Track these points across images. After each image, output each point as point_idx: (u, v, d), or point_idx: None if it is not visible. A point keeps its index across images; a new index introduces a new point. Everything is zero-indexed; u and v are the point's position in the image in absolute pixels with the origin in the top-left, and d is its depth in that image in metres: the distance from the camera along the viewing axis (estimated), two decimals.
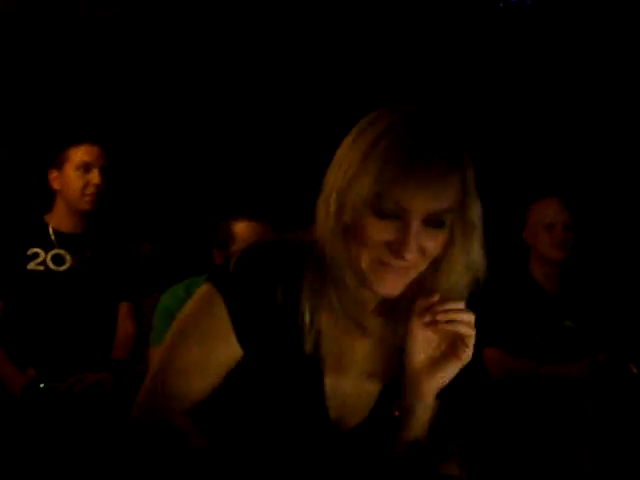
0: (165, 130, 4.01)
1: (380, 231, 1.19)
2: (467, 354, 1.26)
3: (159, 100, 3.98)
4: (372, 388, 1.33)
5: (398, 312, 1.30)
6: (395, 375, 1.31)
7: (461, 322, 1.24)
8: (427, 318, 1.24)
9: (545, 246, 3.07)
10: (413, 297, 1.27)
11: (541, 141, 4.26)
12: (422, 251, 1.21)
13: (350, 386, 1.32)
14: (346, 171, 1.21)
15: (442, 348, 1.26)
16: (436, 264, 1.26)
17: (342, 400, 1.31)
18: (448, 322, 1.24)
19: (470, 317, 1.25)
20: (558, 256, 3.06)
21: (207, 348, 1.27)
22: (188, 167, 4.03)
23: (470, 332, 1.25)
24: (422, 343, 1.26)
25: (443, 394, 1.31)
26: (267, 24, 4.00)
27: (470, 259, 1.28)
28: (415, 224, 1.18)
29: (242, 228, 2.75)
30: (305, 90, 3.83)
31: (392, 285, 1.22)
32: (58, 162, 3.02)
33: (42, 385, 2.81)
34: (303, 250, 1.28)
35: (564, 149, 4.22)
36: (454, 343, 1.26)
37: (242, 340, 1.27)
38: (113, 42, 3.89)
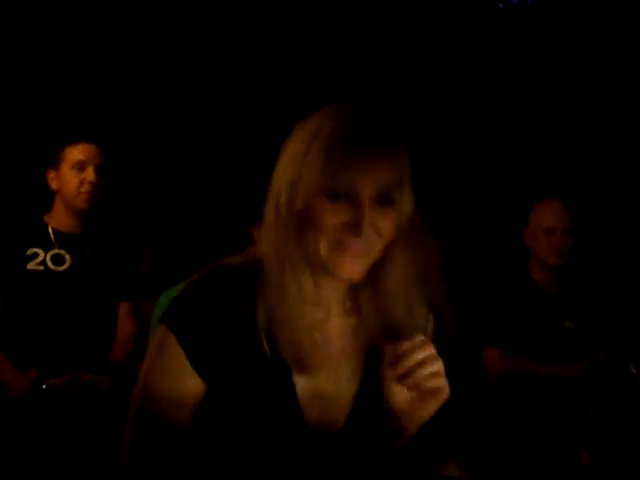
0: (171, 133, 4.02)
1: (336, 214, 1.22)
2: (442, 397, 1.24)
3: (163, 104, 3.99)
4: (349, 388, 1.33)
5: (358, 312, 1.33)
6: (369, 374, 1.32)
7: (431, 376, 1.21)
8: (398, 372, 1.21)
9: (543, 251, 3.05)
10: (371, 297, 1.30)
11: (544, 141, 4.26)
12: (376, 230, 1.24)
13: (326, 387, 1.31)
14: (293, 162, 1.25)
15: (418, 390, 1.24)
16: (381, 261, 1.28)
17: (319, 402, 1.31)
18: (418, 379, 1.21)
19: (439, 366, 1.22)
20: (555, 262, 3.04)
21: (170, 387, 1.29)
22: (191, 172, 4.04)
23: (441, 384, 1.22)
24: (398, 386, 1.24)
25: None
26: (264, 33, 4.00)
27: (413, 253, 1.30)
28: (367, 202, 1.22)
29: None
30: (307, 100, 3.83)
31: (352, 267, 1.24)
32: (55, 162, 3.02)
33: (44, 386, 2.81)
34: (250, 267, 1.30)
35: (567, 149, 4.23)
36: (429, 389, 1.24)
37: (201, 372, 1.29)
38: (114, 43, 3.89)
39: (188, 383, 1.28)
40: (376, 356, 1.27)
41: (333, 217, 1.22)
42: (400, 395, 1.23)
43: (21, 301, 2.94)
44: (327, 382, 1.31)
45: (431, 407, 1.24)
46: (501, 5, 4.25)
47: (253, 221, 2.79)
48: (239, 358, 1.28)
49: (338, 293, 1.33)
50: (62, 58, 3.86)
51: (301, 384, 1.29)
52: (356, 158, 1.21)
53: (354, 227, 1.21)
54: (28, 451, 2.80)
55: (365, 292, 1.32)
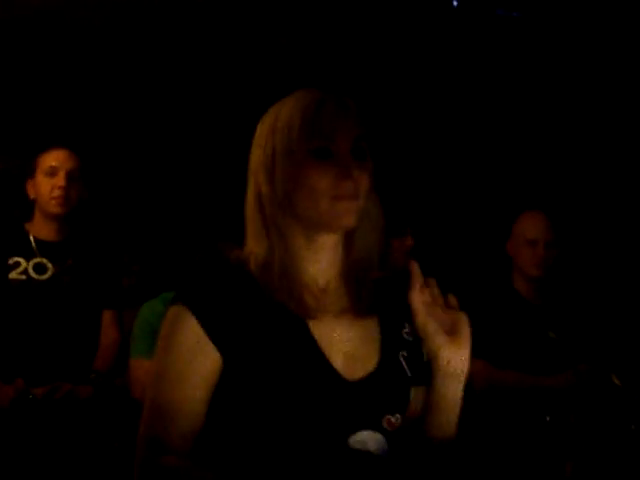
0: (158, 143, 4.01)
1: (326, 171, 1.30)
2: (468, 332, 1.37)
3: (151, 113, 3.98)
4: (369, 329, 1.38)
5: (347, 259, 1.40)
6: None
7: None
8: (427, 298, 1.33)
9: (525, 262, 3.07)
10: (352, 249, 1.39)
11: (528, 152, 4.28)
12: (359, 179, 1.32)
13: (345, 333, 1.35)
14: (266, 141, 1.34)
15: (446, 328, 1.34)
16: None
17: (344, 348, 1.34)
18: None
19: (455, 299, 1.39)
20: (536, 273, 3.05)
21: (188, 366, 1.29)
22: (178, 182, 4.03)
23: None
24: (428, 315, 1.32)
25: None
26: (256, 40, 4.01)
27: (374, 217, 1.40)
28: (347, 152, 1.32)
29: None
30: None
31: (349, 215, 1.31)
32: (31, 170, 3.02)
33: (31, 396, 2.79)
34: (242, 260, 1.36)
35: (550, 160, 4.25)
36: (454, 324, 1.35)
37: (219, 344, 1.29)
38: (100, 51, 3.89)
39: (206, 360, 1.28)
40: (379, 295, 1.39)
41: (325, 174, 1.30)
42: (433, 326, 1.32)
43: (3, 310, 2.92)
44: (344, 327, 1.35)
45: (465, 344, 1.37)
46: (487, 16, 4.27)
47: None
48: (254, 324, 1.30)
49: (329, 247, 1.37)
50: (48, 67, 3.85)
51: (319, 334, 1.32)
52: (329, 116, 1.32)
53: (344, 172, 1.29)
54: (11, 461, 2.78)
55: (347, 244, 1.39)
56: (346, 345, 1.34)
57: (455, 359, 1.33)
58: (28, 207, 3.05)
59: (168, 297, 2.89)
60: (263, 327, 1.30)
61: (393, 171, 1.44)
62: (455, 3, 4.20)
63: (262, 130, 1.37)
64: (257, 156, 1.37)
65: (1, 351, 2.91)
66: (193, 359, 1.28)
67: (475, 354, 3.18)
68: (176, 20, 3.87)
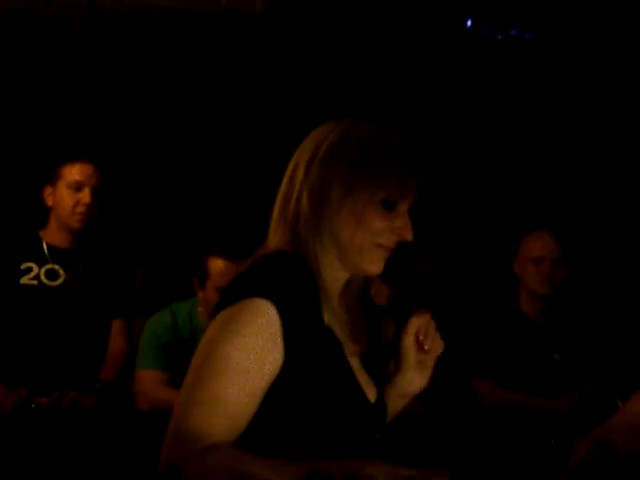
0: (165, 153, 4.03)
1: (388, 220, 1.38)
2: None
3: (159, 121, 4.00)
4: (357, 359, 1.47)
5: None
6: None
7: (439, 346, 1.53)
8: (421, 339, 1.50)
9: (531, 280, 3.06)
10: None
11: (540, 171, 4.28)
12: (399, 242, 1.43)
13: (359, 363, 1.46)
14: (340, 169, 1.38)
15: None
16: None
17: (363, 377, 1.44)
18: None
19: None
20: (543, 291, 3.05)
21: (257, 358, 1.26)
22: (186, 191, 4.04)
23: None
24: (412, 348, 1.51)
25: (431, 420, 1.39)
26: (256, 53, 4.03)
27: None
28: (406, 212, 1.42)
29: (217, 266, 2.83)
30: (294, 123, 3.84)
31: (381, 264, 1.42)
32: (52, 179, 3.03)
33: (34, 405, 2.80)
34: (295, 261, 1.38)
35: (561, 180, 4.25)
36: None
37: (287, 345, 1.28)
38: (110, 62, 3.92)
39: (274, 358, 1.27)
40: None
41: (387, 223, 1.38)
42: (412, 356, 1.51)
43: (14, 316, 2.94)
44: (358, 358, 1.45)
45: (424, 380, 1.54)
46: (500, 37, 4.29)
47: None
48: (311, 335, 1.32)
49: (340, 285, 1.45)
50: (61, 75, 3.88)
51: (350, 360, 1.40)
52: (408, 181, 1.39)
53: (404, 232, 1.39)
54: (12, 468, 2.78)
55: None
56: (360, 371, 1.43)
57: (414, 384, 1.54)
58: (42, 213, 3.07)
59: (175, 308, 2.94)
60: (316, 338, 1.33)
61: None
62: (469, 24, 4.23)
63: (323, 151, 1.39)
64: (310, 173, 1.39)
65: (8, 356, 2.92)
66: (264, 355, 1.26)
67: (479, 374, 3.19)
68: (181, 34, 3.91)
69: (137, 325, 3.11)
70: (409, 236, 1.40)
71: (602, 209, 4.18)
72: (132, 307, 3.15)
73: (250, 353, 1.25)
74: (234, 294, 1.30)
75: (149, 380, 2.81)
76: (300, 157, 1.42)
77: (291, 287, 1.31)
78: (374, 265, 1.40)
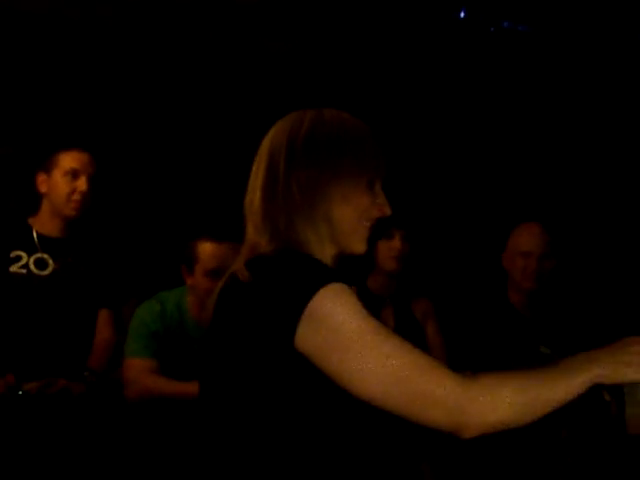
0: (156, 145, 4.02)
1: (372, 198, 1.45)
2: None
3: (152, 112, 3.99)
4: None
5: None
6: None
7: None
8: None
9: (518, 274, 3.06)
10: None
11: (530, 163, 4.29)
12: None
13: None
14: (320, 156, 1.42)
15: None
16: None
17: None
18: None
19: None
20: (529, 286, 3.04)
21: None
22: (176, 182, 4.04)
23: None
24: None
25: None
26: (251, 44, 4.02)
27: None
28: (381, 188, 1.48)
29: (205, 250, 2.82)
30: (283, 111, 3.84)
31: (365, 242, 1.46)
32: (47, 166, 3.01)
33: (21, 392, 2.80)
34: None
35: (552, 172, 4.26)
36: None
37: None
38: (104, 50, 3.90)
39: None
40: None
41: (371, 200, 1.45)
42: None
43: (2, 303, 2.93)
44: None
45: None
46: (493, 29, 4.29)
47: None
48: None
49: None
50: (52, 62, 3.86)
51: None
52: (381, 160, 1.47)
53: (384, 208, 1.46)
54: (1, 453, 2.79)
55: None
56: None
57: None
58: (32, 200, 3.06)
59: (164, 297, 2.95)
60: None
61: (389, 179, 1.49)
62: (462, 15, 4.22)
63: (303, 141, 1.43)
64: (293, 163, 1.42)
65: None
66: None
67: (466, 366, 3.19)
68: (175, 22, 3.89)
69: (126, 311, 3.11)
70: (388, 211, 1.46)
71: (593, 202, 4.20)
72: (119, 297, 3.14)
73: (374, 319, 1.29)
74: (302, 287, 1.26)
75: (137, 368, 2.81)
76: (275, 150, 1.44)
77: (335, 271, 1.36)
78: (362, 244, 1.46)
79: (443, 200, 4.26)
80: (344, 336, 1.22)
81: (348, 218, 1.42)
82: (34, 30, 3.79)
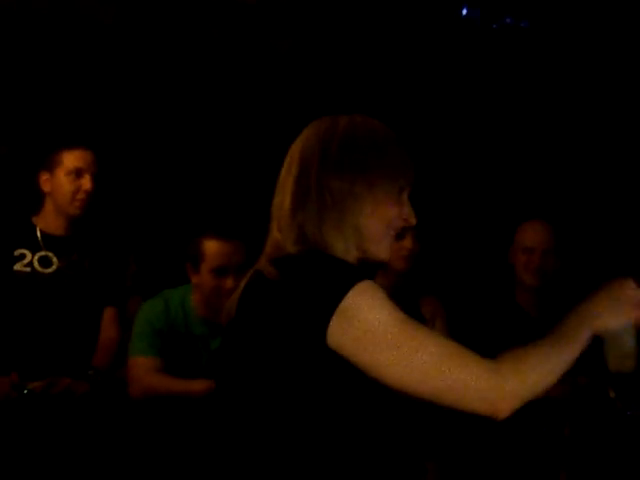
0: (160, 141, 4.02)
1: (399, 207, 1.47)
2: None
3: (155, 110, 3.99)
4: None
5: None
6: None
7: None
8: None
9: (522, 270, 3.06)
10: None
11: (537, 162, 4.28)
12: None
13: None
14: (353, 164, 1.44)
15: None
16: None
17: None
18: None
19: None
20: (532, 282, 3.05)
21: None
22: (180, 179, 4.03)
23: None
24: None
25: (421, 413, 1.36)
26: (256, 42, 4.02)
27: None
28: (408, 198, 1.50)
29: (211, 248, 2.81)
30: (286, 109, 3.84)
31: (389, 253, 1.49)
32: (50, 164, 3.00)
33: (26, 391, 2.80)
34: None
35: (559, 171, 4.25)
36: None
37: None
38: (105, 48, 3.90)
39: None
40: None
41: (398, 210, 1.47)
42: None
43: (6, 302, 2.93)
44: None
45: None
46: (495, 26, 4.28)
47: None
48: None
49: None
50: (54, 60, 3.86)
51: None
52: (411, 163, 1.49)
53: (411, 217, 1.48)
54: (4, 453, 2.79)
55: None
56: None
57: None
58: (36, 199, 3.06)
59: (168, 295, 2.94)
60: None
61: None
62: (464, 12, 4.21)
63: (336, 150, 1.44)
64: (326, 171, 1.43)
65: (0, 342, 2.91)
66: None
67: None
68: (174, 22, 3.89)
69: (130, 309, 3.11)
70: (414, 221, 1.49)
71: (598, 200, 4.19)
72: (124, 295, 3.14)
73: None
74: (331, 288, 1.30)
75: (142, 367, 2.81)
76: (307, 155, 1.46)
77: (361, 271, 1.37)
78: (387, 252, 1.48)
79: (451, 199, 4.25)
80: (378, 329, 1.28)
81: (376, 227, 1.44)
82: (37, 28, 3.78)
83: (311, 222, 1.41)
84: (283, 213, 1.44)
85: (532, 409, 2.93)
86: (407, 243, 3.11)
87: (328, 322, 1.27)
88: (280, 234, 1.43)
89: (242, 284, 1.43)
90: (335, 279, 1.30)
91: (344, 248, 1.42)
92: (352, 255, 1.44)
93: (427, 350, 1.28)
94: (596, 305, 1.47)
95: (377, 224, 1.44)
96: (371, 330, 1.28)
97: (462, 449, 2.85)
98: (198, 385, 2.64)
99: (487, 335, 3.01)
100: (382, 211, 1.44)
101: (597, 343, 3.18)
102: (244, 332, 1.38)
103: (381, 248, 1.46)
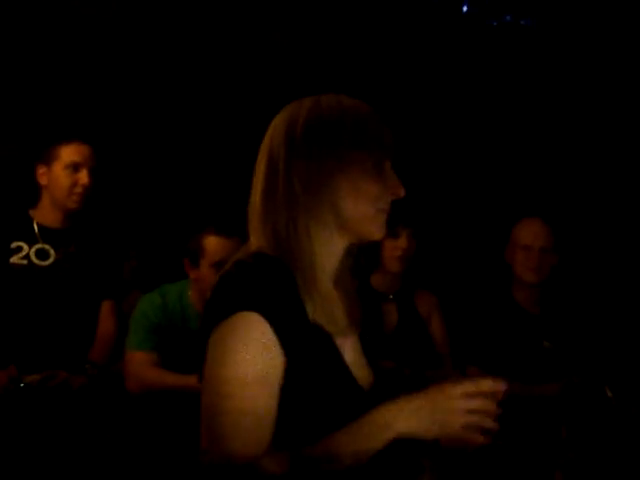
0: (159, 136, 4.01)
1: (382, 182, 1.39)
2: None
3: (154, 105, 3.98)
4: (355, 339, 1.45)
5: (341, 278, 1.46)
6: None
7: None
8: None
9: (520, 268, 3.07)
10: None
11: (534, 159, 4.29)
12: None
13: (354, 350, 1.43)
14: (317, 143, 1.36)
15: None
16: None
17: (358, 363, 1.42)
18: None
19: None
20: (531, 279, 3.05)
21: (267, 370, 1.28)
22: (179, 174, 4.03)
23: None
24: None
25: None
26: (255, 36, 4.01)
27: None
28: (391, 169, 1.43)
29: (211, 243, 2.83)
30: (282, 103, 3.82)
31: (383, 228, 1.41)
32: (47, 158, 2.99)
33: (22, 384, 2.80)
34: (279, 255, 1.36)
35: (556, 169, 4.25)
36: None
37: (286, 346, 1.30)
38: (106, 41, 3.89)
39: (279, 365, 1.29)
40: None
41: (381, 185, 1.38)
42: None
43: (3, 294, 2.93)
44: (350, 339, 1.43)
45: None
46: (495, 23, 4.28)
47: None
48: (300, 330, 1.31)
49: (340, 256, 1.44)
50: (52, 54, 3.85)
51: (342, 350, 1.38)
52: (388, 138, 1.41)
53: (397, 190, 1.40)
54: (1, 446, 2.79)
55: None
56: (352, 356, 1.41)
57: None
58: (32, 192, 3.05)
59: (166, 290, 2.94)
60: (305, 337, 1.32)
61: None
62: (465, 9, 4.21)
63: (302, 132, 1.37)
64: (293, 156, 1.36)
65: None
66: (271, 365, 1.28)
67: (469, 361, 3.21)
68: (167, 14, 3.88)
69: (130, 302, 3.11)
70: (402, 192, 1.41)
71: (596, 198, 4.19)
72: (121, 288, 3.14)
73: (259, 367, 1.27)
74: (222, 308, 1.30)
75: (139, 361, 2.81)
76: (274, 144, 1.39)
77: (272, 293, 1.30)
78: (379, 230, 1.40)
79: (448, 196, 4.25)
80: (209, 371, 1.32)
81: (361, 207, 1.36)
82: (35, 23, 3.78)
83: (282, 214, 1.35)
84: (254, 209, 1.40)
85: (528, 408, 2.95)
86: (401, 243, 3.11)
87: (209, 336, 1.32)
88: (250, 232, 1.40)
89: (219, 275, 1.39)
90: (228, 301, 1.30)
91: (324, 236, 1.36)
92: (338, 243, 1.39)
93: (223, 408, 1.28)
94: (402, 410, 1.29)
95: (361, 204, 1.36)
96: (209, 371, 1.32)
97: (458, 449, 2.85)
98: (195, 380, 2.64)
99: (485, 332, 3.02)
100: (363, 189, 1.36)
101: (595, 342, 3.18)
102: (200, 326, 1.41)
103: (373, 228, 1.39)
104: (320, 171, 1.34)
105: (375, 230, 1.40)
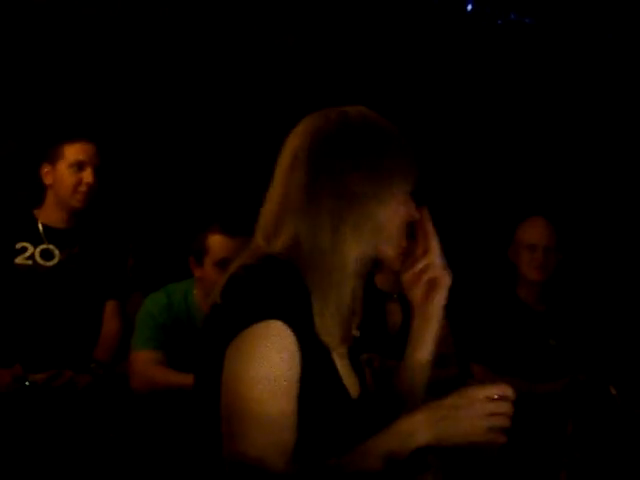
0: (161, 135, 4.01)
1: (407, 206, 1.42)
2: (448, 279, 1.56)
3: (157, 104, 3.98)
4: (344, 351, 1.45)
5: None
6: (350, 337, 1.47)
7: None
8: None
9: (525, 266, 3.08)
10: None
11: (538, 158, 4.28)
12: None
13: (347, 366, 1.44)
14: (348, 174, 1.36)
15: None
16: None
17: (349, 379, 1.43)
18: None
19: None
20: (536, 278, 3.06)
21: (290, 377, 1.29)
22: (182, 173, 4.03)
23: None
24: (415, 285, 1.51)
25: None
26: (258, 36, 4.01)
27: None
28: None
29: (216, 242, 2.82)
30: (291, 104, 3.83)
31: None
32: (51, 157, 3.00)
33: (27, 383, 2.80)
34: (291, 260, 1.35)
35: (559, 167, 4.25)
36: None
37: (304, 357, 1.31)
38: (110, 40, 3.89)
39: (297, 372, 1.30)
40: None
41: (407, 208, 1.41)
42: (417, 291, 1.53)
43: (8, 295, 2.93)
44: (342, 353, 1.43)
45: (442, 291, 1.57)
46: (500, 22, 4.28)
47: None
48: (309, 339, 1.32)
49: (360, 271, 1.43)
50: (56, 53, 3.85)
51: (337, 360, 1.40)
52: (414, 173, 1.43)
53: (415, 211, 1.44)
54: (6, 445, 2.79)
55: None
56: (344, 369, 1.42)
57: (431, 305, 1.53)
58: (37, 192, 3.06)
59: (171, 289, 2.94)
60: (313, 344, 1.33)
61: None
62: (469, 8, 4.21)
63: (331, 147, 1.37)
64: (324, 169, 1.36)
65: (3, 335, 2.92)
66: (296, 372, 1.29)
67: (474, 359, 3.21)
68: (176, 14, 3.89)
69: (132, 304, 3.11)
70: (417, 215, 1.45)
71: (600, 196, 4.18)
72: (126, 288, 3.14)
73: (284, 374, 1.27)
74: (244, 315, 1.28)
75: (144, 360, 2.81)
76: (298, 151, 1.38)
77: (293, 301, 1.30)
78: (397, 250, 1.44)
79: (451, 195, 4.24)
80: (231, 379, 1.28)
81: (395, 227, 1.41)
82: (39, 22, 3.78)
83: (300, 221, 1.35)
84: (269, 209, 1.39)
85: (533, 406, 2.95)
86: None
87: (228, 344, 1.29)
88: (260, 234, 1.39)
89: (225, 276, 1.38)
90: (247, 309, 1.28)
91: (361, 251, 1.37)
92: (366, 257, 1.39)
93: (246, 413, 1.26)
94: (421, 419, 1.27)
95: (396, 223, 1.40)
96: (231, 380, 1.28)
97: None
98: None
99: (490, 330, 3.02)
100: (400, 210, 1.40)
101: (599, 340, 3.18)
102: (204, 326, 1.41)
103: (394, 247, 1.42)
104: (373, 194, 1.37)
105: (394, 249, 1.43)
